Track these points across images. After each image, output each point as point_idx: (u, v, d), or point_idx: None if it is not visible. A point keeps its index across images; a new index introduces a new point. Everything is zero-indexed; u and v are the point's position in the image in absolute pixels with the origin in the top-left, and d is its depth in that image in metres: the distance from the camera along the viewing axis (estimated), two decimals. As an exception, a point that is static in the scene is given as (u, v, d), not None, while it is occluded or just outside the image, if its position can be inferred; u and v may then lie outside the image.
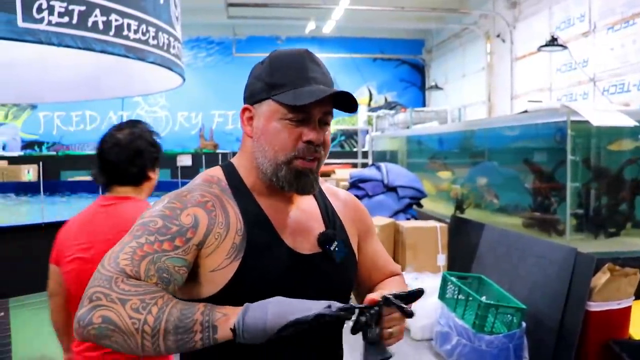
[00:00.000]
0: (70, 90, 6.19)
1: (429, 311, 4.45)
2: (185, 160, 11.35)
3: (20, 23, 3.12)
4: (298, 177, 1.17)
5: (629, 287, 3.63)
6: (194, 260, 1.11)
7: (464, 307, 4.10)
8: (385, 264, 1.45)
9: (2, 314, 3.56)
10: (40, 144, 15.62)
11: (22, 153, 15.03)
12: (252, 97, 1.21)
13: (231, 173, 1.25)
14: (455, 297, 4.26)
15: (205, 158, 13.25)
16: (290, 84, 1.16)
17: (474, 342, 3.83)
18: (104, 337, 0.96)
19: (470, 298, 4.05)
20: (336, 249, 1.24)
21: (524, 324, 3.87)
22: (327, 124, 1.20)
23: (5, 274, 3.95)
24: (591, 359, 3.62)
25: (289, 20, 14.07)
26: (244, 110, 1.23)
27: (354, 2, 11.71)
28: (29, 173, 12.11)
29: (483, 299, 3.98)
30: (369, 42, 16.33)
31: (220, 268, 1.12)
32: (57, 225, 4.43)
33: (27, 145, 15.53)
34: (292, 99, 1.13)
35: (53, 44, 3.34)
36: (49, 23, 3.25)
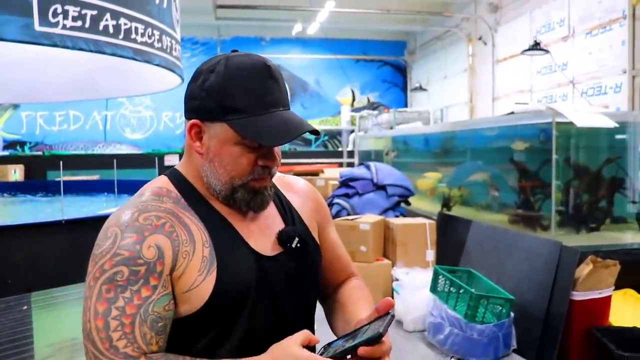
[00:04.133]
0: (67, 90, 6.27)
1: (420, 304, 4.64)
2: (173, 160, 11.43)
3: (37, 27, 3.24)
4: (254, 196, 1.15)
5: (610, 277, 3.87)
6: None
7: (456, 299, 4.31)
8: (346, 261, 1.43)
9: (25, 307, 3.67)
10: (22, 143, 15.51)
11: (5, 153, 14.94)
12: (202, 113, 1.11)
13: (181, 182, 1.18)
14: (447, 290, 4.46)
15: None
16: (248, 111, 1.07)
17: (466, 332, 4.04)
18: None
19: (462, 290, 4.26)
20: (298, 245, 1.20)
21: (512, 314, 4.10)
22: None
23: (27, 269, 4.07)
24: (575, 345, 3.86)
25: (274, 22, 14.21)
26: (192, 126, 1.12)
27: (340, 4, 11.90)
28: (15, 173, 12.07)
29: (473, 291, 4.19)
30: (352, 44, 16.52)
31: (194, 287, 1.07)
32: (77, 222, 4.58)
33: (9, 145, 15.42)
34: (254, 134, 1.07)
35: (67, 47, 3.46)
36: (64, 27, 3.37)
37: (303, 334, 1.04)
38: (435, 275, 4.59)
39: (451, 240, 5.64)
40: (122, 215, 1.08)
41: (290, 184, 1.36)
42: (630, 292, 4.22)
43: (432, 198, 7.55)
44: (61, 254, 4.24)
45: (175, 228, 1.07)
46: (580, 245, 4.11)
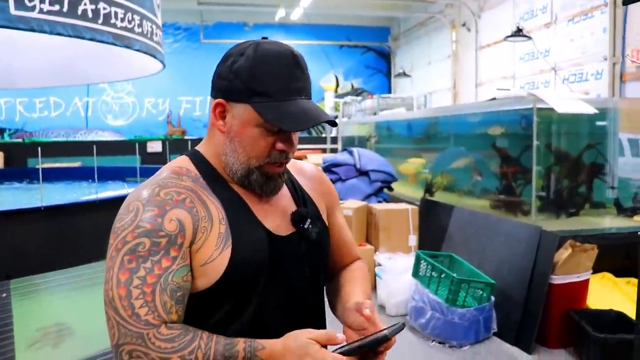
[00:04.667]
0: (46, 75, 6.17)
1: (403, 289, 4.70)
2: (155, 147, 11.35)
3: (12, 11, 3.18)
4: (268, 181, 1.19)
5: (588, 261, 3.94)
6: None
7: (437, 284, 4.36)
8: (351, 244, 1.48)
9: (5, 295, 3.63)
10: (1, 130, 15.29)
11: (-16, 140, 14.72)
12: (229, 93, 1.15)
13: (200, 162, 1.22)
14: (428, 274, 4.51)
15: (175, 144, 13.24)
16: (273, 95, 1.12)
17: (447, 316, 4.09)
18: None
19: (443, 275, 4.31)
20: (310, 226, 1.26)
21: (493, 298, 4.16)
22: None
23: (6, 257, 4.01)
24: (553, 327, 3.93)
25: (257, 7, 14.10)
26: (217, 105, 1.17)
27: (323, -11, 11.84)
28: (-6, 160, 11.91)
29: (454, 275, 4.24)
30: (335, 29, 16.46)
31: (210, 260, 1.12)
32: (56, 209, 4.54)
33: (-13, 132, 15.20)
34: (275, 118, 1.11)
35: (45, 32, 3.40)
36: (41, 11, 3.31)
37: (327, 334, 1.08)
38: (417, 260, 4.63)
39: (433, 226, 5.69)
40: (143, 191, 1.13)
41: (301, 168, 1.41)
42: (608, 275, 4.30)
43: (414, 184, 7.59)
44: (40, 241, 4.19)
45: (195, 204, 1.13)
46: (560, 230, 4.18)
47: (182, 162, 1.22)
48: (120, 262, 1.06)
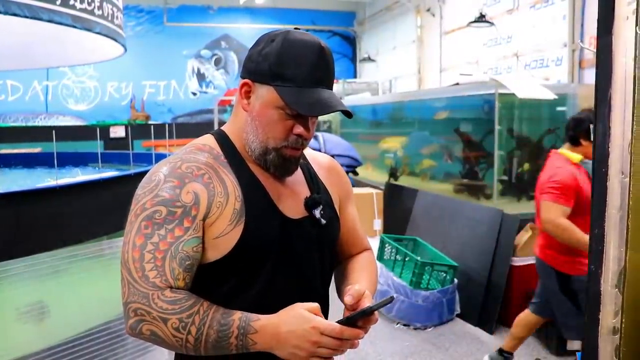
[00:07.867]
0: (1, 58, 5.97)
1: (368, 272, 4.75)
2: (119, 132, 11.11)
3: (-36, -10, 3.06)
4: (284, 162, 1.24)
5: (548, 243, 4.04)
6: None
7: (401, 267, 4.42)
8: (361, 235, 1.51)
9: None
10: (-44, 115, 14.76)
11: (-62, 124, 14.19)
12: (255, 74, 1.22)
13: (224, 141, 1.28)
14: (393, 258, 4.58)
15: (138, 129, 13.00)
16: (295, 81, 1.17)
17: (411, 298, 4.16)
18: (154, 343, 1.14)
19: (407, 258, 4.37)
20: (322, 212, 1.31)
21: (456, 280, 4.24)
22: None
23: None
24: (514, 308, 4.02)
25: (222, -10, 13.88)
26: (244, 84, 1.24)
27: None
28: (-51, 146, 11.51)
29: (418, 258, 4.31)
30: (301, 13, 16.33)
31: (224, 234, 1.18)
32: (12, 196, 4.42)
33: (-58, 116, 14.65)
34: (294, 102, 1.16)
35: (-1, 13, 3.28)
36: (-6, -9, 3.20)
37: (311, 305, 1.14)
38: (382, 244, 4.68)
39: (398, 210, 5.75)
40: (167, 163, 1.20)
41: (316, 157, 1.46)
42: (566, 256, 4.41)
43: (379, 168, 7.63)
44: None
45: (213, 180, 1.19)
46: (521, 213, 4.27)
47: (206, 140, 1.29)
48: (137, 227, 1.14)
